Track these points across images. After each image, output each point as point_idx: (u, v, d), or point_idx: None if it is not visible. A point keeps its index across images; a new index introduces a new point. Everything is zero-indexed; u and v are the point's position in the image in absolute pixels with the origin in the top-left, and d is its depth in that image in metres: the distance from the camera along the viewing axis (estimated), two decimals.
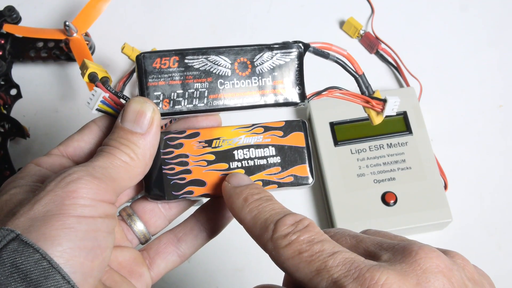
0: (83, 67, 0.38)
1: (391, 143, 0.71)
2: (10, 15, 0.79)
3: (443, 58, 0.81)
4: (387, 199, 0.68)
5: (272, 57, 0.42)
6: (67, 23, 0.73)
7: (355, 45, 0.82)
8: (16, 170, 0.71)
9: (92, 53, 0.78)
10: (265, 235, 0.35)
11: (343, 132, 0.72)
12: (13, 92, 0.78)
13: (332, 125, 0.72)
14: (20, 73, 0.80)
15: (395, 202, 0.68)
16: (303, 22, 0.84)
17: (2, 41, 0.78)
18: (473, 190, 0.73)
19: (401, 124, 0.72)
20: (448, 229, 0.70)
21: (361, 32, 0.81)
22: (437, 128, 0.76)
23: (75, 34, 0.74)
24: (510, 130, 0.77)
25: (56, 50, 0.78)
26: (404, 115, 0.72)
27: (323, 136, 0.72)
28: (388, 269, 0.31)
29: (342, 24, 0.83)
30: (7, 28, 0.77)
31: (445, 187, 0.72)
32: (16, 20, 0.80)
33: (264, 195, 0.38)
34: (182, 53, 0.40)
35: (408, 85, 0.78)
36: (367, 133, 0.72)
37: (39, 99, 0.79)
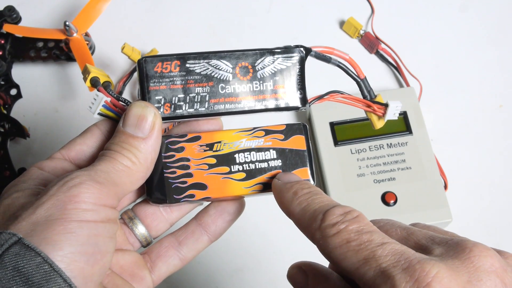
0: (85, 72, 0.38)
1: (391, 143, 0.71)
2: (10, 15, 0.79)
3: (443, 58, 0.81)
4: (387, 199, 0.68)
5: (273, 62, 0.41)
6: (67, 23, 0.73)
7: (355, 45, 0.82)
8: (16, 170, 0.71)
9: (92, 53, 0.78)
10: (313, 225, 0.34)
11: (343, 132, 0.72)
12: (13, 92, 0.78)
13: (332, 125, 0.72)
14: (20, 73, 0.80)
15: (395, 202, 0.68)
16: (303, 22, 0.84)
17: (2, 41, 0.78)
18: (473, 190, 0.73)
19: (401, 124, 0.72)
20: (448, 229, 0.69)
21: (361, 32, 0.81)
22: (437, 128, 0.76)
23: (75, 34, 0.74)
24: (510, 130, 0.77)
25: (56, 50, 0.78)
26: (404, 115, 0.72)
27: (323, 136, 0.72)
28: (439, 262, 0.30)
29: (342, 24, 0.83)
30: (7, 28, 0.77)
31: (445, 187, 0.72)
32: (16, 20, 0.80)
33: (313, 189, 0.38)
34: (183, 58, 0.40)
35: (408, 85, 0.78)
36: (367, 133, 0.72)
37: (39, 99, 0.79)
